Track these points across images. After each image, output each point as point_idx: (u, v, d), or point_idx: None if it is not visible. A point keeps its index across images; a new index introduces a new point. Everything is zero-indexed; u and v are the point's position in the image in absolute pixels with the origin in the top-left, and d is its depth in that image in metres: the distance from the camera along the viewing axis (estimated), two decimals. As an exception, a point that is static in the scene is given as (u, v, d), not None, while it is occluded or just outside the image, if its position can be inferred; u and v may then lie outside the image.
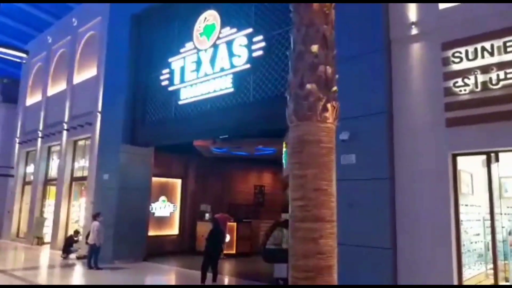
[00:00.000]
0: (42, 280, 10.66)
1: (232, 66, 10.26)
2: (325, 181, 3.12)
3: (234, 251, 13.92)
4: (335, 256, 3.08)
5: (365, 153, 7.13)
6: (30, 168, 19.24)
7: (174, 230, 15.25)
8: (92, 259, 11.06)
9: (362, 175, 7.06)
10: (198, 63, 11.15)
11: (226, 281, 10.30)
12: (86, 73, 16.01)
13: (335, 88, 3.39)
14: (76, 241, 13.33)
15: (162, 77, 12.25)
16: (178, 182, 15.65)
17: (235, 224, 14.25)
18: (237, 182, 17.59)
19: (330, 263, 3.02)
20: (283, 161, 11.85)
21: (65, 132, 16.25)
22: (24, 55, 16.64)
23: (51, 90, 18.30)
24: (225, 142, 13.72)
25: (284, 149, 11.75)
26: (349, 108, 6.38)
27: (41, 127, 18.18)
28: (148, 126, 12.90)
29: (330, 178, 3.17)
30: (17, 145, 19.95)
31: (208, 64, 10.84)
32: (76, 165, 16.16)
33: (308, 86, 3.26)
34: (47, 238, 16.62)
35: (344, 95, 3.96)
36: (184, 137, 12.27)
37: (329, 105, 3.28)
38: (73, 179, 16.06)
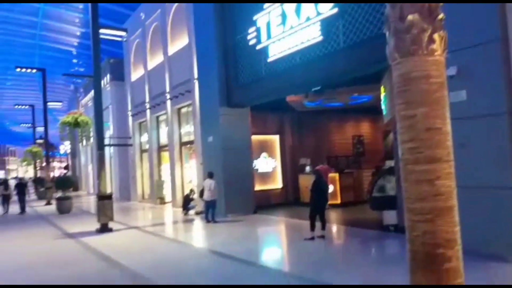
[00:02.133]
0: (170, 233, 12.07)
1: (318, 13, 9.86)
2: (438, 119, 2.91)
3: (339, 201, 14.02)
4: (454, 197, 2.91)
5: (477, 88, 6.45)
6: (144, 137, 21.35)
7: (277, 184, 15.85)
8: (209, 213, 12.11)
9: (475, 113, 6.44)
10: (283, 16, 10.94)
11: (335, 229, 10.51)
12: (179, 42, 16.83)
13: (441, 15, 3.07)
14: (192, 199, 14.66)
15: (249, 37, 12.34)
16: (276, 138, 16.03)
17: (337, 175, 14.25)
18: (334, 134, 17.41)
19: (449, 204, 2.88)
20: (382, 106, 11.31)
21: (168, 102, 17.54)
22: (123, 33, 17.99)
23: (151, 64, 19.70)
24: (317, 95, 13.50)
25: (382, 94, 11.18)
26: (456, 39, 5.75)
27: (147, 99, 19.86)
28: (242, 87, 13.24)
29: (444, 116, 2.95)
30: (130, 118, 22.17)
31: (294, 15, 10.58)
32: (183, 131, 17.48)
33: (410, 17, 3.00)
34: (168, 198, 18.58)
35: (449, 24, 3.58)
36: (276, 94, 12.39)
37: (435, 36, 2.99)
38: (181, 144, 17.45)
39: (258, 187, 14.66)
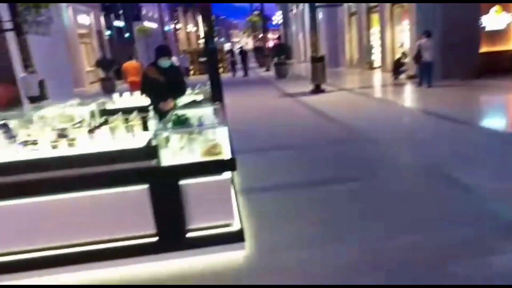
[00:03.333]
0: (380, 95, 12.07)
1: None
2: None
3: None
4: None
5: None
6: None
7: (511, 44, 13.21)
8: (425, 77, 11.35)
9: None
10: None
11: None
12: None
13: None
14: (404, 63, 13.90)
15: None
16: (517, -15, 12.82)
17: None
18: None
19: None
20: None
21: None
22: None
23: None
24: None
25: None
26: None
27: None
28: None
29: None
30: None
31: None
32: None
33: None
34: (377, 63, 18.14)
35: None
36: None
37: None
38: (393, 2, 15.99)
39: (484, 48, 12.58)
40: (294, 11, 30.36)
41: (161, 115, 3.84)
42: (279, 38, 32.21)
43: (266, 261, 3.06)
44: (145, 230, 3.06)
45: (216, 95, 4.38)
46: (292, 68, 24.58)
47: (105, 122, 3.10)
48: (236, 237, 3.15)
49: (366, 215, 3.77)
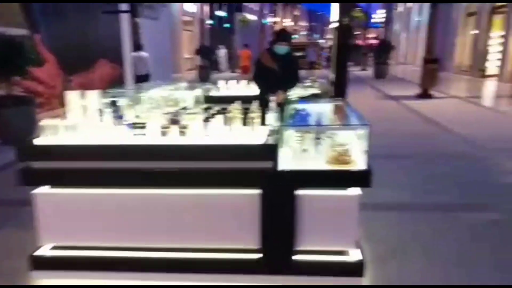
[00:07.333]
0: (499, 106, 10.44)
1: None
2: None
3: None
4: None
5: None
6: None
7: None
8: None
9: None
10: None
11: None
12: None
13: None
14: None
15: None
16: None
17: None
18: None
19: None
20: None
21: None
22: None
23: None
24: None
25: None
26: None
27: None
28: None
29: None
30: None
31: None
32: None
33: None
34: (491, 70, 16.07)
35: None
36: None
37: None
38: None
39: None
40: (400, 9, 28.37)
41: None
42: (377, 37, 30.56)
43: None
44: (247, 243, 2.61)
45: (339, 91, 3.83)
46: (389, 68, 23.06)
47: (223, 111, 2.68)
48: (353, 270, 2.56)
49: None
